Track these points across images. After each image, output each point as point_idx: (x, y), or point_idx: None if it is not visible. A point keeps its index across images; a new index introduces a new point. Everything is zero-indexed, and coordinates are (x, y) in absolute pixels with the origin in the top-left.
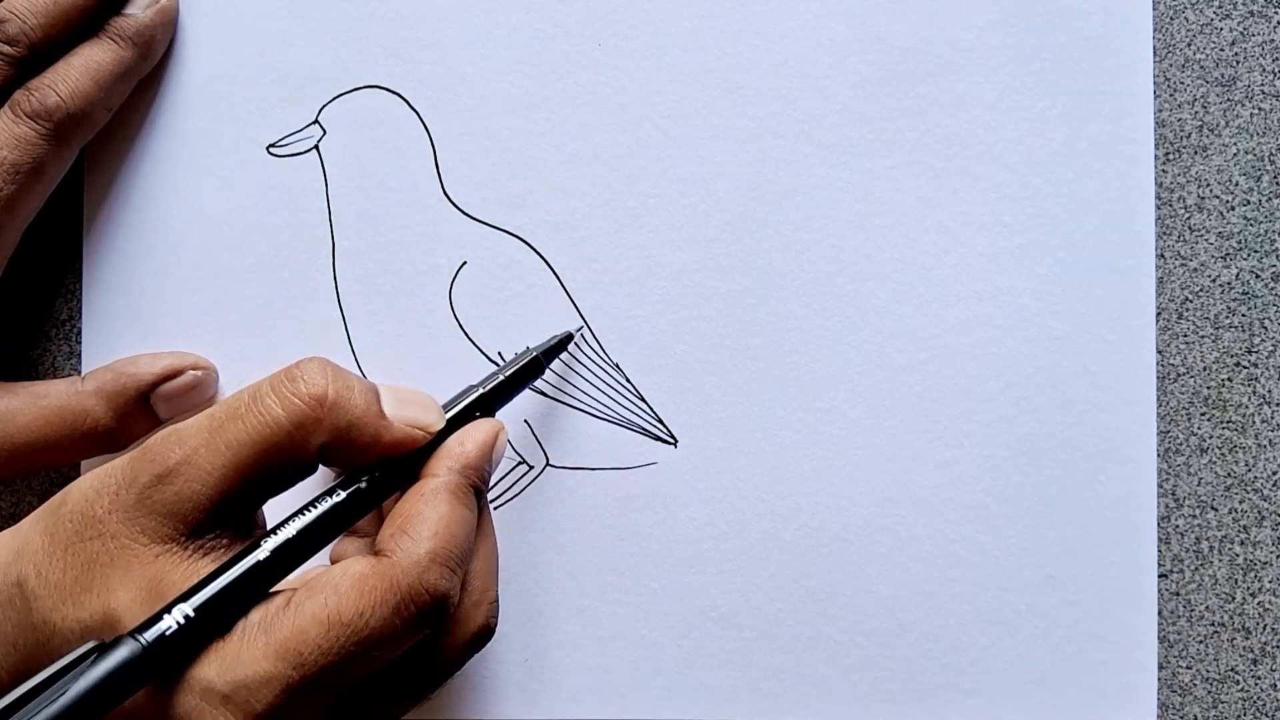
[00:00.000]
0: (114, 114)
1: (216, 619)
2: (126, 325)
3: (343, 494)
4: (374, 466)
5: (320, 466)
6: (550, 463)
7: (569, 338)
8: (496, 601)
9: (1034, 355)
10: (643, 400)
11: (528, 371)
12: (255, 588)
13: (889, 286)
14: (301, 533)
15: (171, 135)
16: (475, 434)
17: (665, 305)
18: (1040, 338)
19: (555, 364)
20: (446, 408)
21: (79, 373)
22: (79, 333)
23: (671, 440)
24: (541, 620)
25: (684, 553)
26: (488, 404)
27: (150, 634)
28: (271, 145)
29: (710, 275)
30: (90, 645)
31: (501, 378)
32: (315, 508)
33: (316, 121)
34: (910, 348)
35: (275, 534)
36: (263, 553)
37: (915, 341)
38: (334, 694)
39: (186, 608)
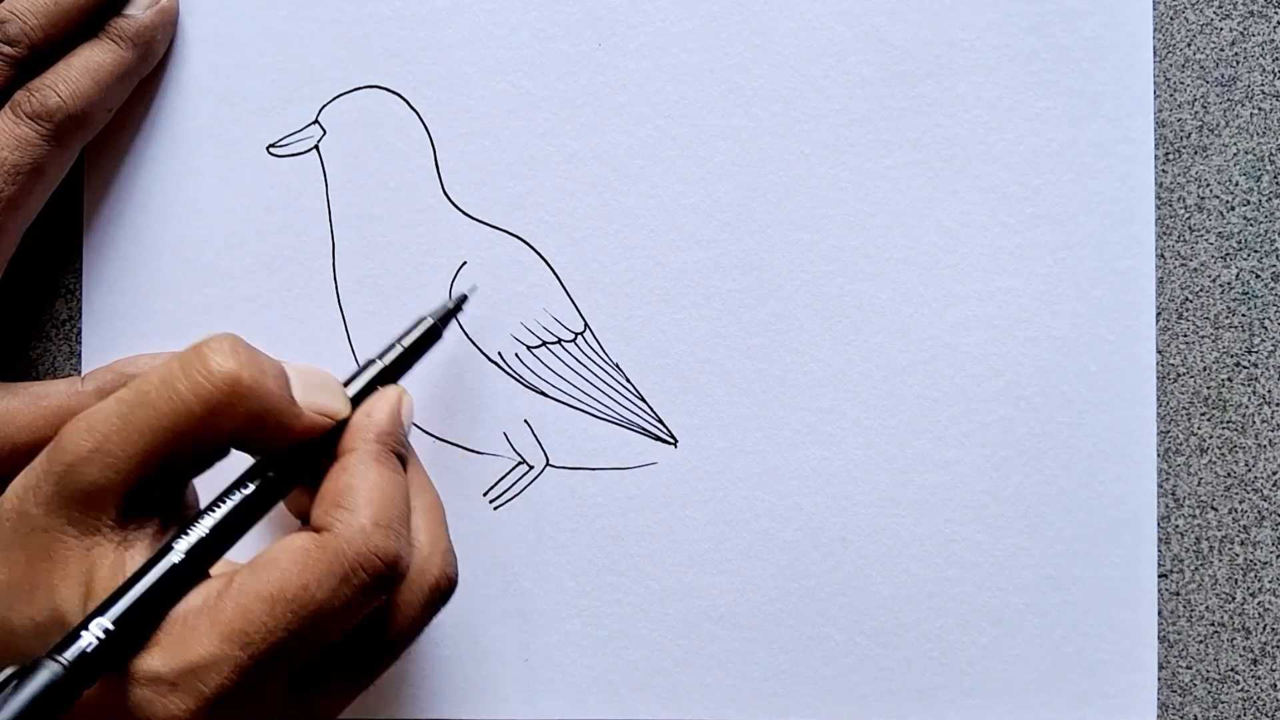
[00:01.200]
0: (114, 114)
1: (138, 625)
2: (126, 325)
3: (251, 486)
4: (284, 451)
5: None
6: (550, 463)
7: (463, 299)
8: (451, 551)
9: (1034, 355)
10: (642, 400)
11: (425, 340)
12: (174, 589)
13: (889, 286)
14: (214, 529)
15: (171, 135)
16: (380, 403)
17: (665, 305)
18: (1040, 338)
19: (555, 364)
20: (347, 385)
21: (79, 373)
22: (79, 333)
23: (671, 440)
24: (541, 620)
25: (684, 553)
26: (388, 378)
27: (70, 653)
28: (271, 145)
29: (710, 275)
30: (8, 672)
31: (399, 349)
32: (226, 501)
33: (316, 121)
34: (910, 348)
35: (187, 534)
36: (176, 555)
37: (915, 341)
38: (286, 670)
39: (105, 621)
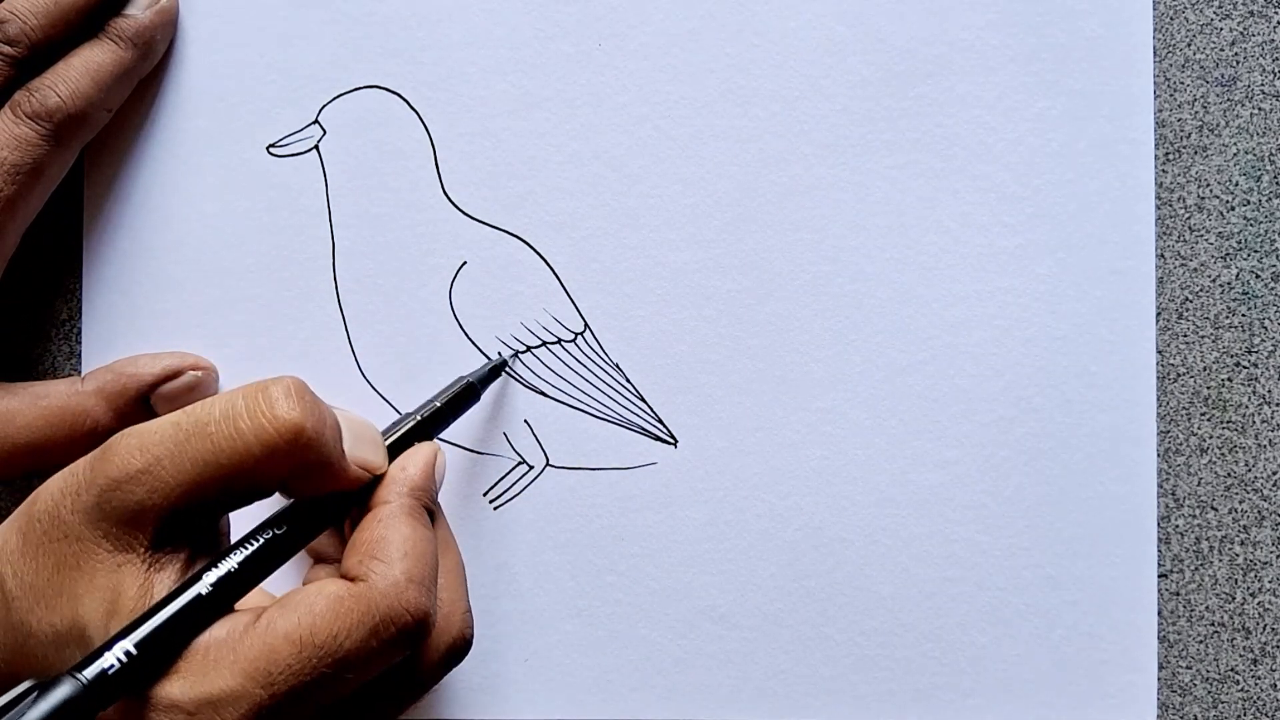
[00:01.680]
0: (114, 114)
1: (160, 652)
2: (126, 325)
3: (284, 527)
4: (321, 497)
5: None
6: (550, 463)
7: (503, 364)
8: (469, 612)
9: (1034, 355)
10: (643, 400)
11: (462, 398)
12: (199, 620)
13: (889, 286)
14: (243, 564)
15: (171, 135)
16: (416, 458)
17: (665, 305)
18: (1040, 338)
19: (555, 364)
20: (385, 435)
21: (79, 373)
22: (79, 333)
23: (671, 440)
24: (541, 620)
25: (684, 553)
26: (424, 431)
27: (90, 672)
28: (271, 145)
29: (710, 275)
30: (27, 685)
31: (438, 404)
32: (258, 538)
33: (316, 121)
34: (910, 348)
35: (217, 566)
36: (204, 586)
37: (915, 341)
38: (305, 712)
39: (127, 644)
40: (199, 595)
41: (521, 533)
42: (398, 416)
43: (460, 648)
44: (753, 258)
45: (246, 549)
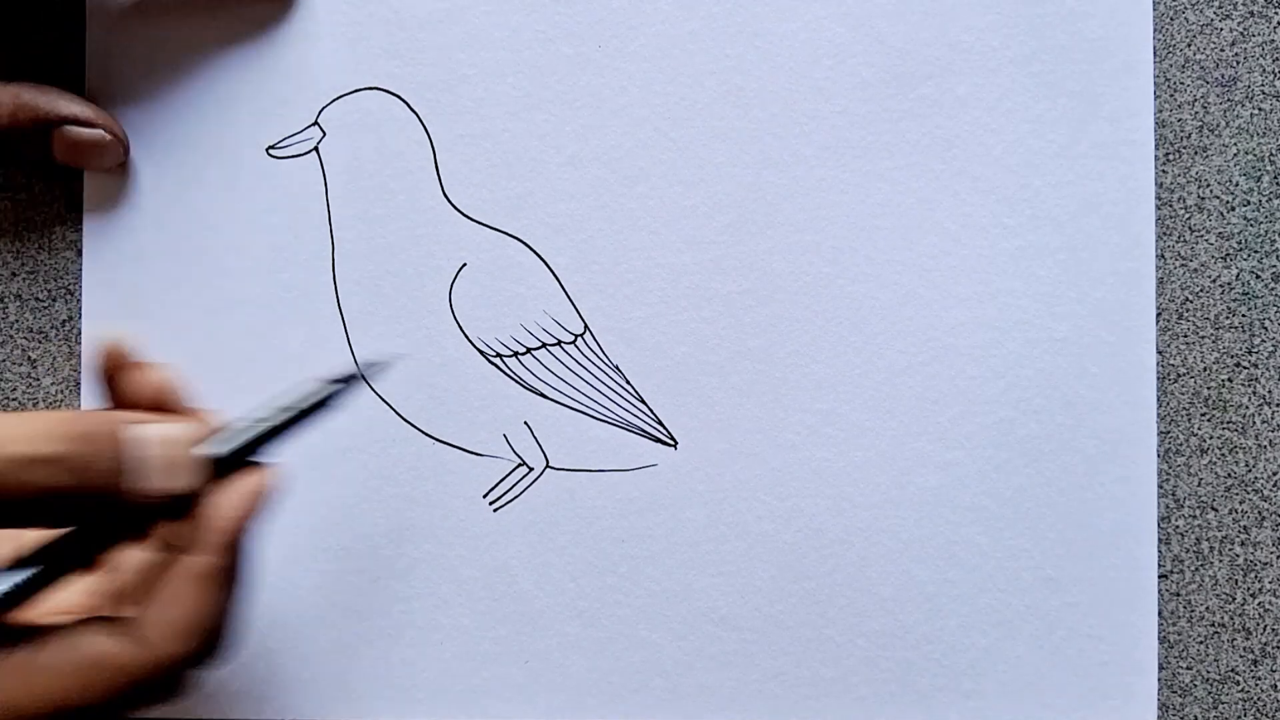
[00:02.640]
0: (114, 114)
1: None
2: (126, 325)
3: (70, 545)
4: (97, 524)
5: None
6: (550, 464)
7: (359, 377)
8: (195, 629)
9: (1034, 356)
10: (643, 402)
11: (313, 409)
12: None
13: (889, 288)
14: (10, 591)
15: (171, 137)
16: (234, 498)
17: (665, 307)
18: (1041, 339)
19: (555, 366)
20: (221, 434)
21: (79, 373)
22: (79, 333)
23: (671, 442)
24: (541, 622)
25: (684, 554)
26: (260, 444)
27: None
28: (271, 147)
29: (710, 277)
30: None
31: (284, 414)
32: (31, 565)
33: (316, 123)
34: (910, 349)
35: None
36: None
37: (916, 343)
38: None
39: None
40: None
41: (521, 534)
42: (230, 422)
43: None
44: (753, 259)
45: (17, 575)
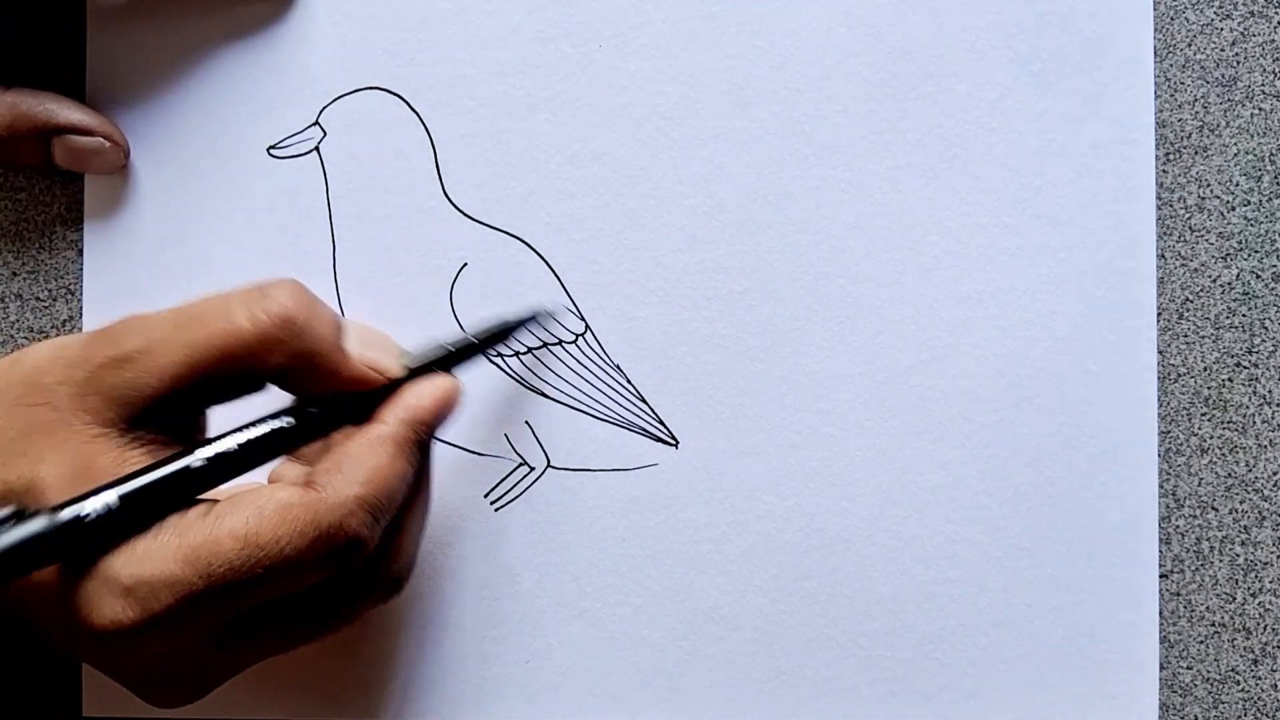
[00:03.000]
0: (114, 115)
1: (138, 514)
2: None
3: (288, 419)
4: (326, 398)
5: (275, 388)
6: (551, 464)
7: (543, 313)
8: (414, 557)
9: (1035, 356)
10: (644, 401)
11: (494, 337)
12: (182, 491)
13: (890, 287)
14: (241, 448)
15: (172, 136)
16: (431, 389)
17: (666, 306)
18: (1041, 338)
19: (556, 365)
20: (411, 359)
21: None
22: (80, 333)
23: (672, 441)
24: (542, 622)
25: (685, 554)
26: (449, 362)
27: (67, 513)
28: (272, 147)
29: (711, 276)
30: (9, 511)
31: (473, 340)
32: (258, 427)
33: (317, 123)
34: (911, 348)
35: (213, 444)
36: (196, 459)
37: (916, 342)
38: (233, 609)
39: (110, 496)
40: (189, 466)
41: (522, 534)
42: (427, 343)
43: (390, 586)
44: (754, 259)
45: (246, 434)
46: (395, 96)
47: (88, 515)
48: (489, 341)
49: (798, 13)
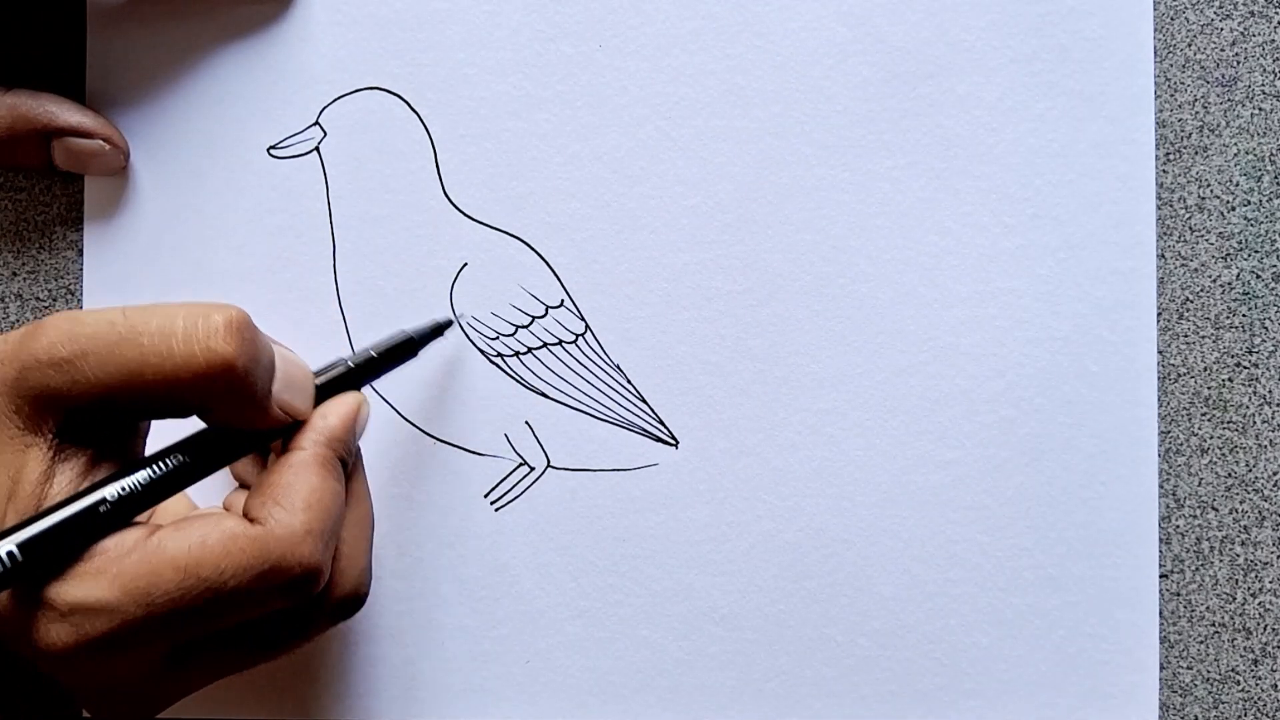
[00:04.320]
0: (115, 115)
1: (45, 554)
2: None
3: (193, 452)
4: (231, 432)
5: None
6: (551, 464)
7: (447, 324)
8: (368, 569)
9: (1035, 356)
10: (643, 401)
11: (399, 351)
12: (92, 531)
13: (890, 287)
14: (147, 485)
15: (172, 136)
16: (338, 408)
17: (666, 306)
18: (1041, 338)
19: (556, 365)
20: (316, 375)
21: None
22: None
23: (672, 441)
24: (543, 621)
25: (685, 554)
26: (354, 379)
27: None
28: (272, 147)
29: (711, 276)
30: None
31: (373, 354)
32: (167, 460)
33: (317, 123)
34: (911, 348)
35: (114, 483)
36: (104, 497)
37: (916, 342)
38: (176, 638)
39: (11, 544)
40: (96, 507)
41: (522, 534)
42: (332, 361)
43: (351, 603)
44: (753, 259)
45: (154, 469)
46: (395, 96)
47: (1, 554)
48: (392, 355)
49: (798, 13)
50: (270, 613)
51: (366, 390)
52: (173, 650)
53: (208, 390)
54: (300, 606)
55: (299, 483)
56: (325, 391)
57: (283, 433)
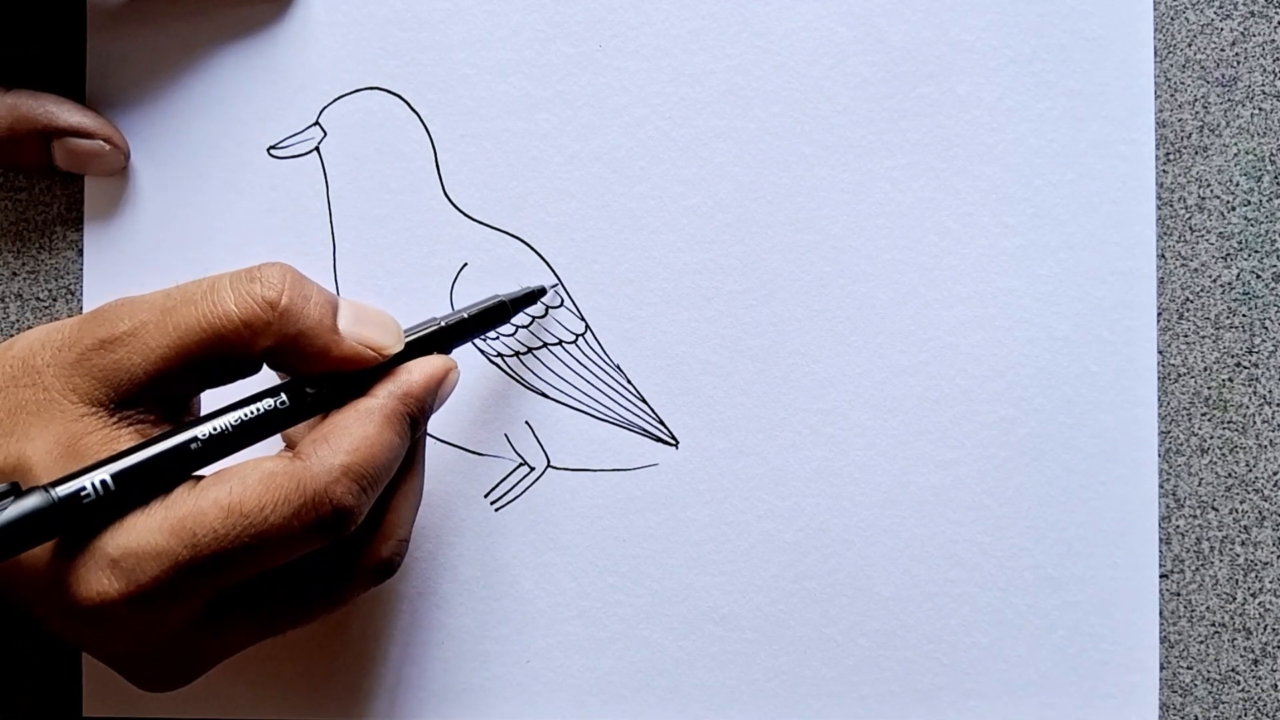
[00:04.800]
0: (115, 115)
1: (133, 491)
2: None
3: (282, 397)
4: (322, 378)
5: (271, 369)
6: (551, 464)
7: (542, 290)
8: (406, 541)
9: (1035, 356)
10: (644, 401)
11: (492, 315)
12: (176, 470)
13: (890, 287)
14: (234, 427)
15: (172, 137)
16: (424, 365)
17: (666, 306)
18: (1041, 338)
19: (556, 365)
20: (407, 334)
21: None
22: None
23: (672, 441)
24: (543, 621)
25: (685, 554)
26: (446, 340)
27: (63, 490)
28: (272, 147)
29: (711, 276)
30: (4, 488)
31: (465, 315)
32: (253, 405)
33: (317, 123)
34: (911, 348)
35: (207, 422)
36: (188, 437)
37: (916, 342)
38: (220, 583)
39: (105, 474)
40: (181, 444)
41: (522, 534)
42: (423, 320)
43: (381, 569)
44: (753, 259)
45: (238, 413)
46: (395, 96)
47: (84, 491)
48: (485, 318)
49: (798, 13)
50: (305, 569)
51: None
52: (212, 604)
53: (262, 333)
54: (335, 564)
55: (354, 427)
56: (415, 349)
57: (369, 380)
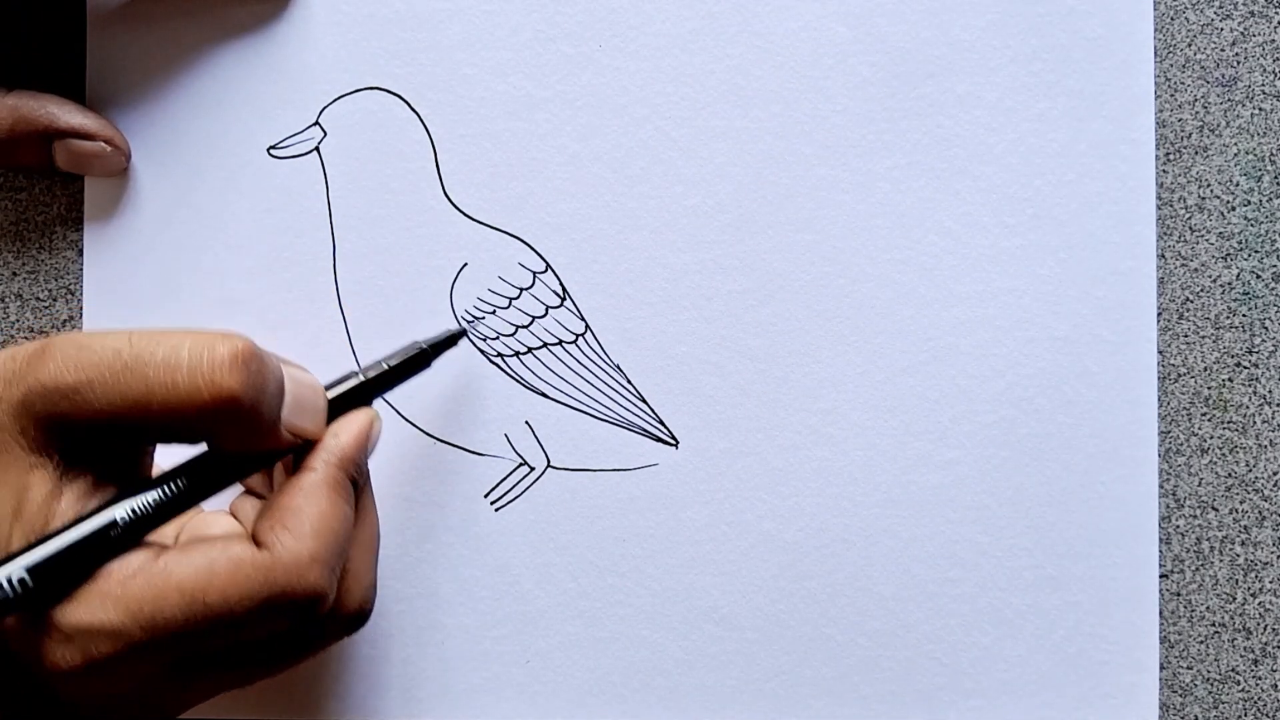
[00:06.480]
0: (115, 115)
1: (54, 578)
2: (127, 326)
3: (204, 473)
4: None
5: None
6: (551, 464)
7: (460, 333)
8: (373, 586)
9: (1035, 356)
10: (644, 401)
11: (413, 364)
12: (101, 553)
13: (890, 287)
14: (158, 507)
15: (172, 136)
16: (350, 426)
17: (666, 306)
18: (1041, 338)
19: (556, 365)
20: (330, 388)
21: None
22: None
23: (672, 441)
24: (543, 621)
25: (685, 554)
26: (368, 393)
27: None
28: (272, 147)
29: (711, 276)
30: None
31: (385, 366)
32: (177, 480)
33: (317, 123)
34: (911, 348)
35: (129, 501)
36: (114, 518)
37: (916, 342)
38: (179, 659)
39: (19, 570)
40: (107, 530)
41: (522, 534)
42: (344, 374)
43: (356, 619)
44: (754, 259)
45: (164, 490)
46: (395, 96)
47: (11, 578)
48: (405, 368)
49: (797, 12)
50: (274, 631)
51: None
52: (178, 665)
53: (213, 423)
54: (305, 626)
55: (308, 507)
56: (337, 406)
57: (294, 450)
